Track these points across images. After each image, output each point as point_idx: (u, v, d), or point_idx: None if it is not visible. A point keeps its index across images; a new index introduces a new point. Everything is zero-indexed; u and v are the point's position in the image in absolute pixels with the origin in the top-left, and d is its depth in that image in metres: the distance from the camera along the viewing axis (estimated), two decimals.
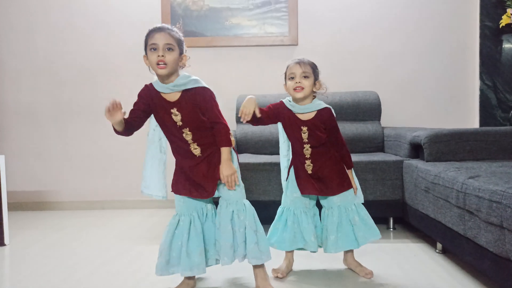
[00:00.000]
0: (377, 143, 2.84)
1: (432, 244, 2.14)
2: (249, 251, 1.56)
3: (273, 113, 1.72)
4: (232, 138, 1.57)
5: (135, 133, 3.50)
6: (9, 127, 3.27)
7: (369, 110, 2.90)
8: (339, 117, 2.91)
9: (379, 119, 2.94)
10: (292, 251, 1.81)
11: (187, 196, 1.58)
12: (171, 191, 1.63)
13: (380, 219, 2.57)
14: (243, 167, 2.35)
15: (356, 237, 1.73)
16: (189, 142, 1.54)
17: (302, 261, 1.91)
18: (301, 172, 1.74)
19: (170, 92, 1.51)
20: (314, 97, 1.73)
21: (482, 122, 3.03)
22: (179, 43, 1.52)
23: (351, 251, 1.79)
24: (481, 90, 3.04)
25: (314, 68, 1.70)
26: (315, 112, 1.69)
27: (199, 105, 1.52)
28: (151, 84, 1.56)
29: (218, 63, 3.19)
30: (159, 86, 1.52)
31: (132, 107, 1.58)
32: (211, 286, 1.69)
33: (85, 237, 2.44)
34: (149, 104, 1.55)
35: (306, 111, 1.68)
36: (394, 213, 2.38)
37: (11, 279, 1.81)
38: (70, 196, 3.26)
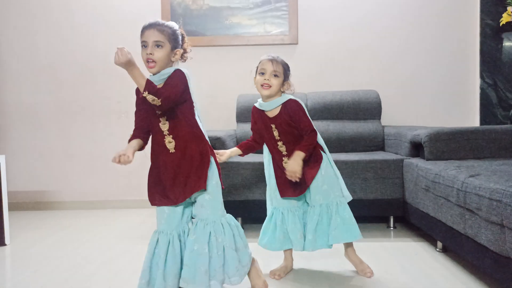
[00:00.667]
0: (377, 142, 2.84)
1: (433, 242, 2.14)
2: (231, 272, 1.49)
3: (257, 128, 1.75)
4: (158, 101, 1.38)
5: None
6: (10, 127, 3.27)
7: (370, 109, 2.90)
8: (340, 116, 2.91)
9: (379, 118, 2.94)
10: (290, 252, 1.81)
11: (160, 206, 1.51)
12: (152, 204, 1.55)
13: (380, 218, 2.58)
14: (244, 166, 2.35)
15: (328, 236, 1.71)
16: (164, 133, 1.49)
17: (302, 261, 1.91)
18: (280, 173, 1.74)
19: (157, 84, 1.46)
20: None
21: (483, 121, 3.03)
22: (171, 38, 1.48)
23: (351, 246, 1.78)
24: (482, 89, 3.04)
25: (286, 68, 1.69)
26: (280, 106, 1.69)
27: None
28: None
29: (218, 63, 3.19)
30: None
31: (136, 111, 1.55)
32: None
33: (86, 237, 2.44)
34: (142, 100, 1.47)
35: (272, 107, 1.68)
36: (394, 212, 2.38)
37: (12, 279, 1.81)
38: (71, 196, 3.26)
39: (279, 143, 1.71)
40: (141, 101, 1.50)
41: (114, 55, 1.34)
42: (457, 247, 1.72)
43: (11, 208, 3.05)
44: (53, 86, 3.25)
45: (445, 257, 1.94)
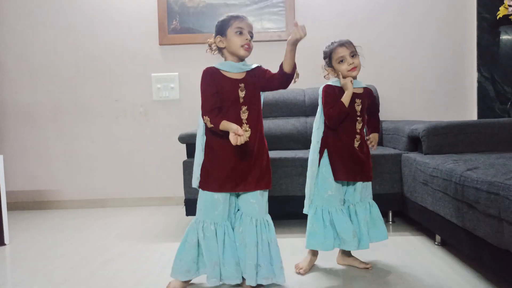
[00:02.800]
0: None
1: (431, 236, 2.14)
2: (277, 270, 1.53)
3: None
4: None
5: (133, 131, 3.49)
6: (8, 128, 3.27)
7: None
8: None
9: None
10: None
11: (231, 192, 1.53)
12: (205, 190, 1.54)
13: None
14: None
15: (379, 233, 1.76)
16: (243, 121, 1.53)
17: (301, 257, 1.91)
18: (346, 153, 1.68)
19: (239, 71, 1.57)
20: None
21: (480, 114, 3.03)
22: None
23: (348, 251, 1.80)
24: (479, 82, 3.04)
25: (354, 45, 1.73)
26: (363, 88, 1.75)
27: (259, 80, 1.57)
28: (211, 67, 1.60)
29: (216, 60, 3.17)
30: (227, 66, 1.57)
31: (210, 94, 1.53)
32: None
33: (86, 236, 2.45)
34: (215, 84, 1.55)
35: (358, 85, 1.73)
36: (393, 206, 2.39)
37: (12, 279, 1.81)
38: (70, 195, 3.26)
39: (359, 119, 1.70)
40: (214, 88, 1.53)
41: (299, 29, 1.41)
42: (455, 240, 1.73)
43: (10, 208, 3.04)
44: (50, 86, 3.24)
45: (443, 251, 1.95)
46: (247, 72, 1.58)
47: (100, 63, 3.20)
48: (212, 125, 1.47)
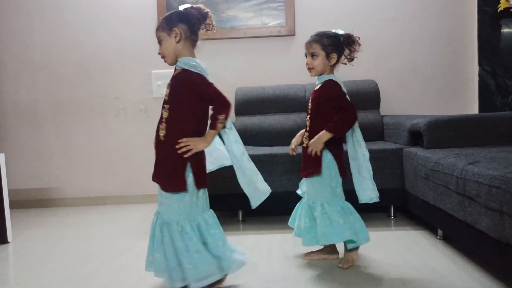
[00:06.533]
0: (376, 132, 2.84)
1: (433, 231, 2.15)
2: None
3: None
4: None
5: (134, 128, 3.48)
6: (9, 126, 3.27)
7: (368, 99, 2.90)
8: None
9: (378, 108, 2.94)
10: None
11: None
12: (200, 188, 1.56)
13: (381, 208, 2.58)
14: None
15: (317, 235, 1.68)
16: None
17: (302, 251, 1.92)
18: (302, 149, 1.79)
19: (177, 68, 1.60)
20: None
21: (482, 108, 3.02)
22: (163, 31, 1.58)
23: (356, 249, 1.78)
24: (480, 76, 3.03)
25: (324, 44, 1.70)
26: (322, 83, 1.73)
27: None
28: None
29: (215, 56, 3.17)
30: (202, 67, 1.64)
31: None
32: None
33: (89, 233, 2.45)
34: None
35: (320, 81, 1.74)
36: (394, 201, 2.39)
37: (15, 277, 1.82)
38: (72, 193, 3.27)
39: (307, 117, 1.74)
40: None
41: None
42: (457, 234, 1.73)
43: (12, 206, 3.04)
44: (50, 84, 3.24)
45: (445, 245, 1.95)
46: (181, 71, 1.65)
47: (99, 61, 3.20)
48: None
